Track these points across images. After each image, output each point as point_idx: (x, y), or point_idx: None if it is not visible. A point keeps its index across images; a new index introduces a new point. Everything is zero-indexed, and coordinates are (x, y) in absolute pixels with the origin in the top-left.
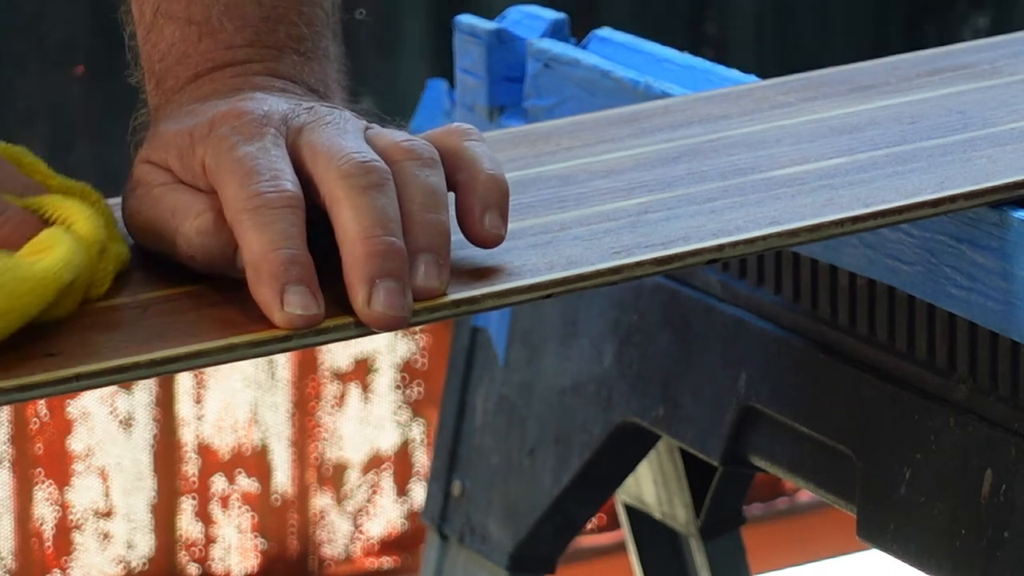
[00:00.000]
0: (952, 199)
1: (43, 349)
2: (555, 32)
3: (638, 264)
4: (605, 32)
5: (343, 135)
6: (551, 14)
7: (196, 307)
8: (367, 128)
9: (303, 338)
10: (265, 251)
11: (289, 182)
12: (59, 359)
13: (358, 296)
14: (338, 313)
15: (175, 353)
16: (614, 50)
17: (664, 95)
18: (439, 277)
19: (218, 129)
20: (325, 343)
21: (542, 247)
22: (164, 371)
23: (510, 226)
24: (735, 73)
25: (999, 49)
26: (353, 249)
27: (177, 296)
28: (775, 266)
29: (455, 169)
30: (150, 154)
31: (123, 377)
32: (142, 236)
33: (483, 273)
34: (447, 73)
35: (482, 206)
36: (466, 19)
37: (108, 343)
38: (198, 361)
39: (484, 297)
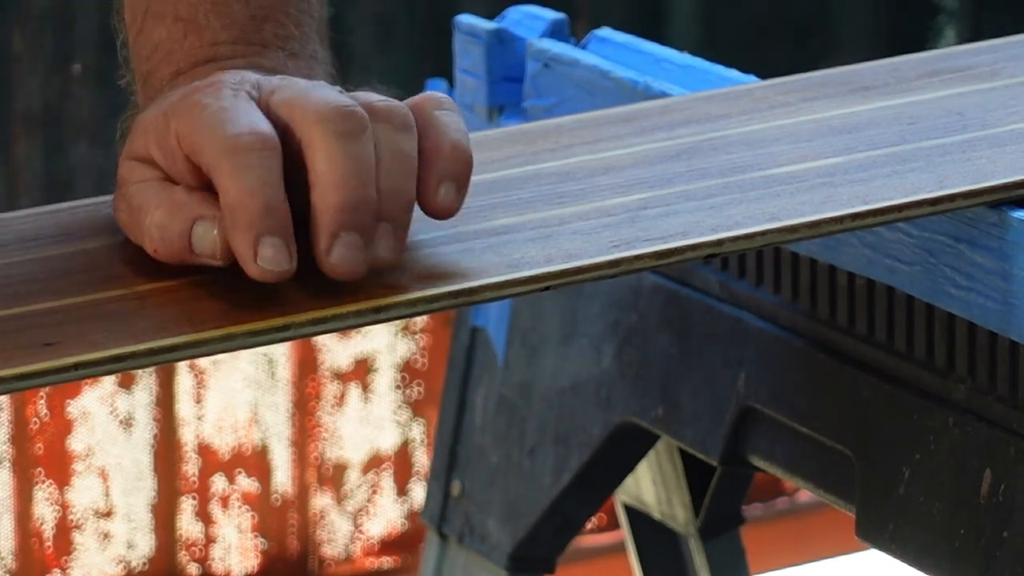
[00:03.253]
0: (951, 198)
1: (41, 339)
2: (555, 32)
3: (637, 257)
4: (605, 32)
5: (318, 88)
6: (551, 14)
7: (194, 298)
8: (343, 92)
9: (301, 328)
10: (242, 197)
11: (265, 126)
12: (57, 348)
13: (321, 243)
14: (335, 303)
15: (173, 342)
16: (614, 50)
17: (663, 95)
18: (393, 249)
19: (189, 99)
20: (324, 332)
21: (541, 241)
22: (163, 360)
23: (508, 220)
24: (734, 73)
25: (999, 52)
26: (324, 195)
27: (175, 287)
28: (774, 266)
29: (422, 135)
30: (131, 147)
31: (122, 366)
32: (127, 234)
33: (481, 265)
34: (447, 73)
35: (439, 176)
36: (466, 19)
37: (106, 333)
38: (197, 350)
39: (482, 288)
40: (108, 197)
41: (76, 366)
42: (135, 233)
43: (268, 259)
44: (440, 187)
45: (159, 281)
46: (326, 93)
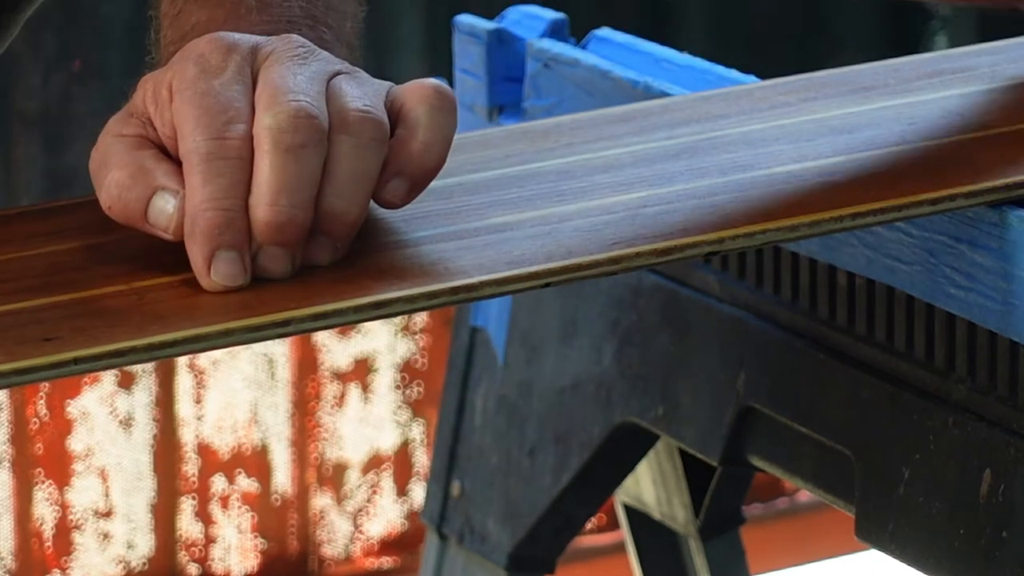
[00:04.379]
0: (951, 198)
1: (40, 334)
2: (555, 32)
3: (637, 255)
4: (604, 32)
5: (299, 73)
6: (551, 14)
7: (193, 293)
8: (336, 75)
9: (301, 323)
10: (204, 207)
11: (243, 124)
12: (56, 343)
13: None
14: (335, 298)
15: (172, 337)
16: (613, 50)
17: (663, 95)
18: (328, 258)
19: (189, 53)
20: (324, 328)
21: (541, 238)
22: (162, 355)
23: (508, 217)
24: (734, 73)
25: (999, 53)
26: (254, 208)
27: (174, 283)
28: (774, 266)
29: (399, 122)
30: (132, 100)
31: (121, 361)
32: (93, 182)
33: (481, 262)
34: (447, 73)
35: (396, 170)
36: (466, 19)
37: (105, 328)
38: (196, 345)
39: (482, 285)
40: None
41: (75, 360)
42: (95, 183)
43: (222, 274)
44: (391, 181)
45: (158, 277)
46: (298, 84)
